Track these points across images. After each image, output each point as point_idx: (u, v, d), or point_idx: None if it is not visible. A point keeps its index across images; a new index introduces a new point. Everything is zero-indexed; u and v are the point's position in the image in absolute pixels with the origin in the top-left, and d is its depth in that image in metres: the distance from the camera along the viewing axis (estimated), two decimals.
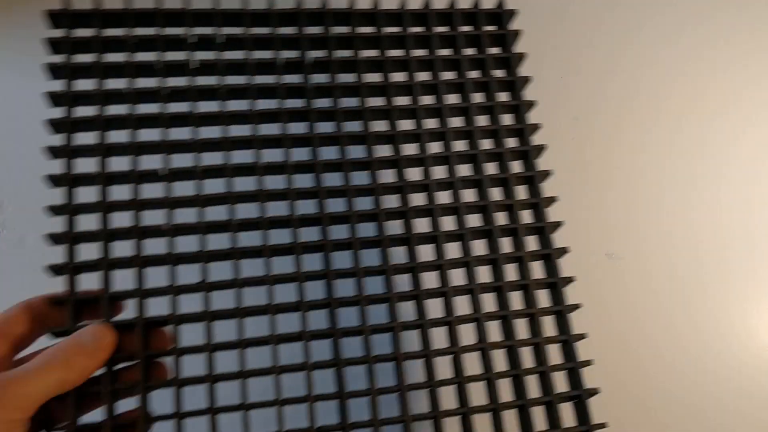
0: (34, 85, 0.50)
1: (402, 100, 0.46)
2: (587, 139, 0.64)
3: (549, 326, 0.44)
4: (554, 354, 0.43)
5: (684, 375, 0.56)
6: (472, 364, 0.42)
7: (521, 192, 0.46)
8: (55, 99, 0.42)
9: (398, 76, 0.47)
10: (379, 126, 0.45)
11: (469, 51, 0.48)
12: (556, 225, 0.45)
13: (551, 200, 0.45)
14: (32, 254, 0.53)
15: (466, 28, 0.48)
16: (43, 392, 0.34)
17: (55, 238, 0.40)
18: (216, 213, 0.42)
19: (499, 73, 0.48)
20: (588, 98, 0.66)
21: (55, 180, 0.41)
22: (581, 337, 0.43)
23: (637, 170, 0.64)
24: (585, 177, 0.62)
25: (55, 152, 0.41)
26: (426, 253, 0.43)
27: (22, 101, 0.54)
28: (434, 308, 0.42)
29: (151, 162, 0.42)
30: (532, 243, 0.45)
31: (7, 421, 0.32)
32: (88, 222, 0.41)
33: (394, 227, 0.44)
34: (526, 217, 0.46)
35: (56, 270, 0.39)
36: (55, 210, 0.40)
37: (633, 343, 0.57)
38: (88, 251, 0.40)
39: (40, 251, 0.48)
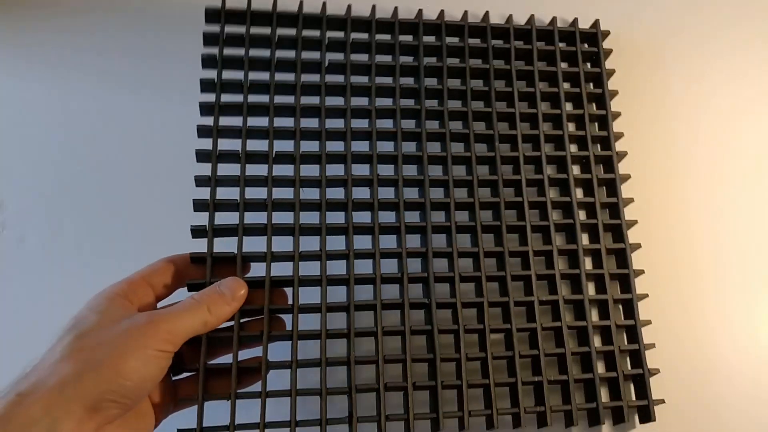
0: (34, 86, 0.55)
1: (501, 105, 0.52)
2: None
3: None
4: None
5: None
6: (547, 341, 0.48)
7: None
8: (205, 86, 0.48)
9: (500, 84, 0.53)
10: (479, 126, 0.51)
11: (564, 65, 0.54)
12: (632, 223, 0.50)
13: (629, 201, 0.50)
14: (32, 254, 0.53)
15: (563, 45, 0.54)
16: (190, 329, 0.39)
17: (198, 206, 0.46)
18: (335, 193, 0.47)
19: (590, 87, 0.53)
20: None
21: (202, 156, 0.46)
22: (647, 322, 0.48)
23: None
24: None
25: (203, 132, 0.47)
26: (513, 241, 0.49)
27: (23, 102, 0.57)
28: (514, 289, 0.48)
29: (283, 146, 0.48)
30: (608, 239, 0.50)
31: (159, 350, 0.37)
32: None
33: (486, 216, 0.49)
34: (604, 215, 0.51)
35: (197, 233, 0.45)
36: (200, 181, 0.46)
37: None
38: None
39: (40, 251, 0.53)
